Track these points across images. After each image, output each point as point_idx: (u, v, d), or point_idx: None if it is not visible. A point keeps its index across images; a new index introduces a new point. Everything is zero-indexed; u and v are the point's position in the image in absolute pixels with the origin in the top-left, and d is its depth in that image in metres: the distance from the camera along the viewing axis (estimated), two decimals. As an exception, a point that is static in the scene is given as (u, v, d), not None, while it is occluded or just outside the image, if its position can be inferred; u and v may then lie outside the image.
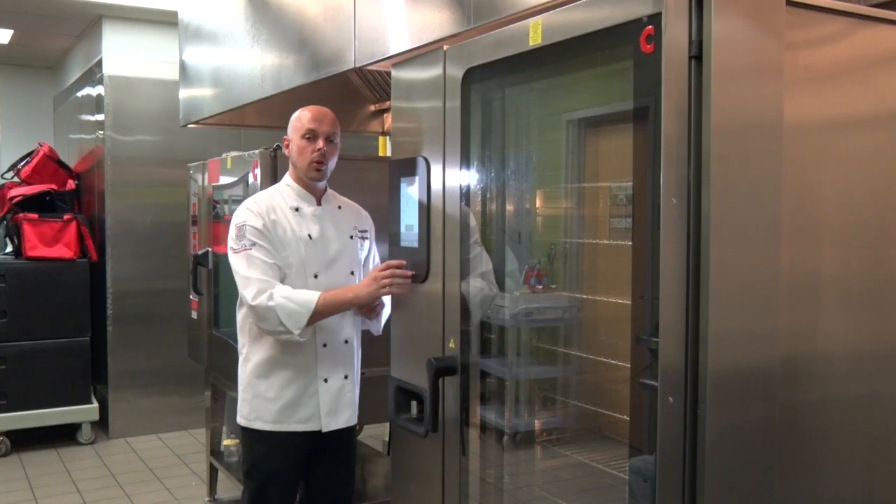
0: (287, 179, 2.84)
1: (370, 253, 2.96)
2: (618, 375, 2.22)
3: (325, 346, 2.76)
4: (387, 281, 2.51)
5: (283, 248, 2.70)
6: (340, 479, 2.92)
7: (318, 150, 2.72)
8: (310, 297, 2.61)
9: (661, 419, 1.64)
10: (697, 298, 1.62)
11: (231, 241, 2.71)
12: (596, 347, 2.48)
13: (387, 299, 2.84)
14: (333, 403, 2.78)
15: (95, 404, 5.85)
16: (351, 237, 2.86)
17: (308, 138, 2.73)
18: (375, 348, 2.92)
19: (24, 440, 5.61)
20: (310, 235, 2.75)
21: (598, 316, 2.49)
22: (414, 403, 2.48)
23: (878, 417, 1.98)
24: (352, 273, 2.83)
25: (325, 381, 2.77)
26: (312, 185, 2.80)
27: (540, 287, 2.57)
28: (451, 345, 2.32)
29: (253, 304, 2.62)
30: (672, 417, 1.64)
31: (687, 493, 1.64)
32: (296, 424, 2.75)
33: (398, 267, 2.49)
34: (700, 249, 1.62)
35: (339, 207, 2.89)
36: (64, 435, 5.78)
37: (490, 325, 2.48)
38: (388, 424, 3.06)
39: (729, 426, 1.65)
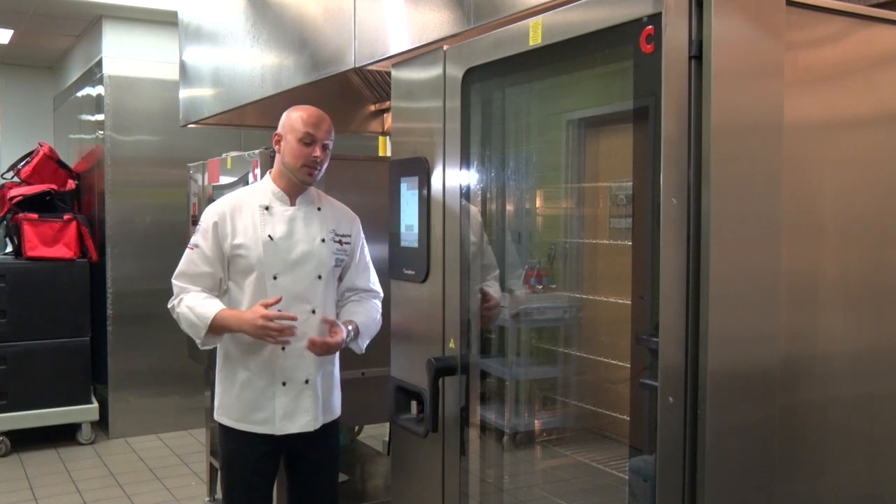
0: (268, 177, 2.82)
1: (355, 257, 2.90)
2: (618, 375, 2.22)
3: (283, 348, 2.70)
4: (269, 330, 2.58)
5: (240, 248, 2.70)
6: (321, 482, 2.88)
7: (315, 157, 2.69)
8: (209, 311, 2.67)
9: (661, 419, 1.64)
10: (697, 298, 1.62)
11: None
12: (596, 347, 2.48)
13: (377, 311, 2.91)
14: (290, 407, 2.72)
15: (95, 404, 5.85)
16: (323, 240, 2.77)
17: (306, 143, 2.69)
18: (375, 348, 2.92)
19: (24, 440, 5.62)
20: (270, 236, 2.70)
21: (598, 316, 2.49)
22: (414, 403, 2.48)
23: (878, 417, 1.99)
24: (318, 277, 2.74)
25: (283, 384, 2.73)
26: (292, 185, 2.76)
27: (540, 287, 2.57)
28: (451, 345, 2.32)
29: (168, 306, 2.78)
30: (672, 417, 1.64)
31: (687, 493, 1.64)
32: (254, 425, 2.74)
33: (282, 319, 2.59)
34: (700, 249, 1.62)
35: (319, 209, 2.82)
36: (64, 435, 5.78)
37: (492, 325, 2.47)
38: (388, 424, 3.05)
39: (729, 426, 1.65)
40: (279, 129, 2.77)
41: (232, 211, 2.74)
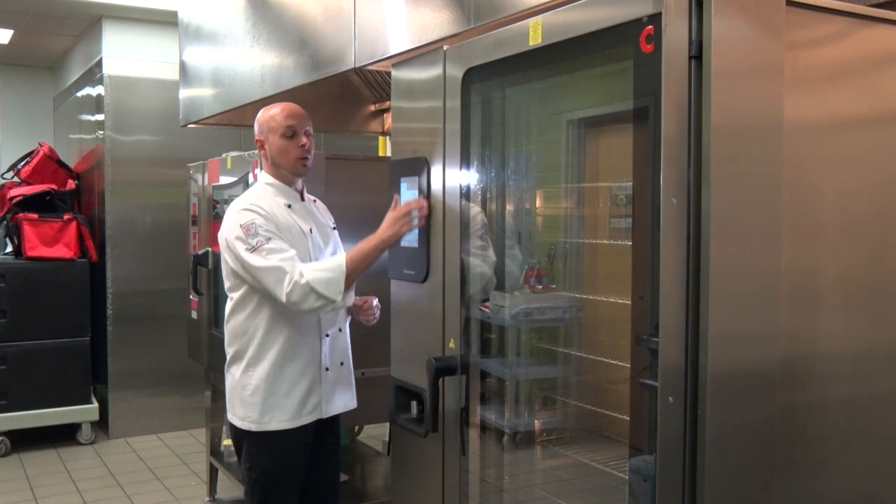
0: (268, 179, 2.78)
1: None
2: (618, 375, 2.22)
3: (327, 336, 2.79)
4: (406, 219, 2.48)
5: (292, 244, 2.66)
6: (332, 465, 2.96)
7: (303, 146, 2.73)
8: (338, 261, 2.61)
9: (661, 419, 1.64)
10: (697, 298, 1.62)
11: (242, 244, 2.61)
12: (596, 347, 2.48)
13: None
14: (332, 390, 2.82)
15: (95, 404, 5.85)
16: (333, 228, 2.92)
17: (289, 136, 2.72)
18: (376, 348, 2.92)
19: (24, 440, 5.61)
20: (310, 230, 2.77)
21: (598, 316, 2.49)
22: (414, 403, 2.48)
23: (878, 417, 1.99)
24: None
25: (327, 369, 2.80)
26: (294, 183, 2.80)
27: (540, 287, 2.57)
28: (451, 345, 2.32)
29: (287, 289, 2.54)
30: (672, 417, 1.64)
31: (687, 493, 1.64)
32: (307, 416, 2.76)
33: (417, 207, 2.46)
34: (700, 249, 1.62)
35: (315, 202, 2.93)
36: (64, 435, 5.78)
37: (490, 325, 2.48)
38: (388, 424, 3.05)
39: (729, 426, 1.65)
40: (258, 135, 2.78)
41: (270, 210, 2.67)
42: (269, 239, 2.59)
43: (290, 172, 2.76)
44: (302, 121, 2.75)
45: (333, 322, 2.82)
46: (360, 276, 2.64)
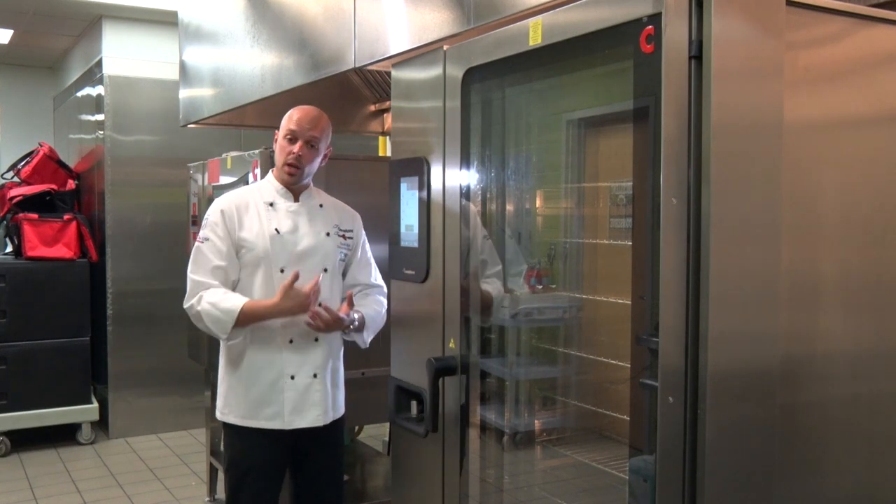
0: (270, 175, 2.85)
1: (357, 253, 2.93)
2: (618, 375, 2.22)
3: (291, 342, 2.73)
4: (304, 302, 2.62)
5: (249, 242, 2.72)
6: (324, 480, 2.90)
7: (292, 153, 2.73)
8: (234, 304, 2.65)
9: (661, 419, 1.64)
10: (697, 298, 1.62)
11: (200, 232, 2.79)
12: (596, 347, 2.48)
13: (382, 305, 2.89)
14: (299, 401, 2.73)
15: (95, 404, 5.85)
16: (328, 234, 2.83)
17: (288, 139, 2.74)
18: (375, 348, 2.92)
19: (24, 440, 5.62)
20: (277, 230, 2.73)
21: (598, 316, 2.49)
22: (414, 403, 2.48)
23: (878, 417, 1.98)
24: (325, 270, 2.79)
25: (292, 377, 2.74)
26: (291, 182, 2.80)
27: (540, 287, 2.57)
28: (451, 345, 2.32)
29: (185, 306, 2.72)
30: (672, 417, 1.64)
31: (687, 493, 1.64)
32: (263, 421, 2.73)
33: (330, 316, 2.64)
34: (700, 249, 1.62)
35: (321, 206, 2.86)
36: (64, 435, 5.78)
37: (490, 325, 2.48)
38: (388, 424, 3.05)
39: (729, 426, 1.65)
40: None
41: (237, 206, 2.76)
42: (206, 239, 2.73)
43: (278, 173, 2.80)
44: (307, 129, 2.73)
45: (304, 329, 2.70)
46: (252, 325, 2.71)
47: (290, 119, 2.76)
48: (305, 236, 2.78)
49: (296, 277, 2.63)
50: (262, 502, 2.79)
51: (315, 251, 2.78)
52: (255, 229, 2.73)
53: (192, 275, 2.72)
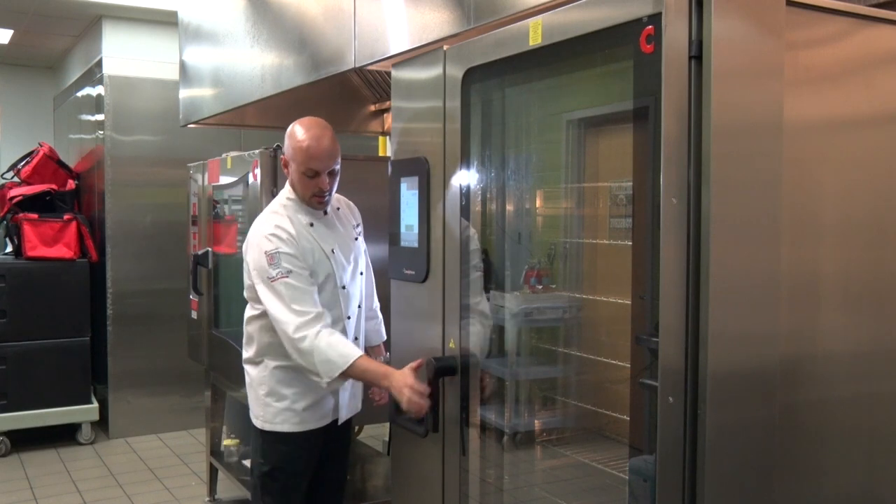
0: (290, 194, 2.72)
1: (364, 246, 2.95)
2: (618, 375, 2.22)
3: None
4: (415, 399, 2.35)
5: (315, 266, 2.65)
6: (341, 462, 2.98)
7: (318, 187, 2.64)
8: (352, 353, 2.52)
9: (661, 419, 1.64)
10: (697, 298, 1.62)
11: (262, 272, 2.59)
12: (596, 347, 2.48)
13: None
14: (347, 395, 2.83)
15: (95, 404, 5.85)
16: (356, 238, 2.86)
17: (309, 177, 2.63)
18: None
19: (24, 440, 5.61)
20: (333, 250, 2.71)
21: (598, 316, 2.50)
22: (414, 403, 2.47)
23: (878, 417, 1.99)
24: (361, 273, 2.84)
25: None
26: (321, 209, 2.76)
27: (540, 287, 2.57)
28: (451, 345, 2.32)
29: (294, 337, 2.53)
30: (672, 417, 1.64)
31: (687, 493, 1.64)
32: (318, 422, 2.76)
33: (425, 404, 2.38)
34: (700, 249, 1.62)
35: (338, 209, 2.85)
36: (64, 435, 5.78)
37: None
38: (388, 424, 3.05)
39: (729, 426, 1.65)
40: (285, 152, 2.69)
41: (289, 233, 2.62)
42: (289, 272, 2.56)
43: (304, 202, 2.70)
44: (326, 164, 2.61)
45: (352, 333, 2.77)
46: (352, 379, 2.63)
47: (309, 155, 2.59)
48: (345, 247, 2.78)
49: (420, 364, 2.41)
50: (296, 500, 2.83)
51: (356, 259, 2.83)
52: (317, 254, 2.66)
53: (295, 306, 2.54)
